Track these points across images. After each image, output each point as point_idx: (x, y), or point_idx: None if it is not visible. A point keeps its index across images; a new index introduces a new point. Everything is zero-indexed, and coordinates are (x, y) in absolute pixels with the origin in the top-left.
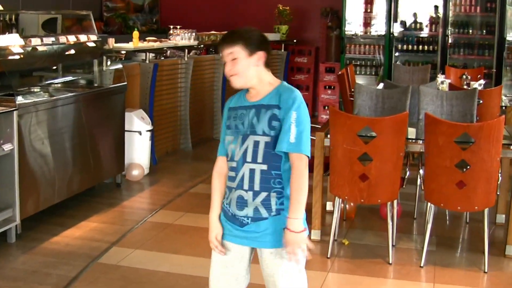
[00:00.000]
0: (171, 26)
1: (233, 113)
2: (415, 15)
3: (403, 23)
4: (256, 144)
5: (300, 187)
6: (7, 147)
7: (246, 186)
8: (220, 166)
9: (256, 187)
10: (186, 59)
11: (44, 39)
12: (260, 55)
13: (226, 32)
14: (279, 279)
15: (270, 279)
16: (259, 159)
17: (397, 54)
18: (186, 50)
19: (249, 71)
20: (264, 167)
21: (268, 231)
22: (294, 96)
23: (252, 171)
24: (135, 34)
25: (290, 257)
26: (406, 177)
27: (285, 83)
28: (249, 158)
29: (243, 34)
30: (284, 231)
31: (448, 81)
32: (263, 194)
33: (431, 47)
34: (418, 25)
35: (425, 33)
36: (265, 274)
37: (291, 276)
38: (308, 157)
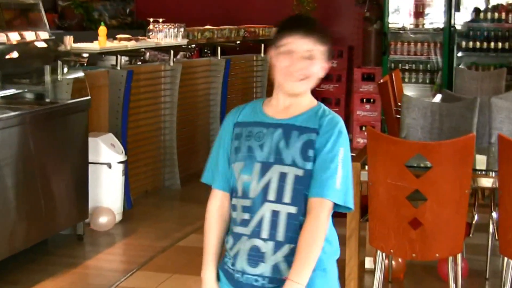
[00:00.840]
0: (151, 19)
1: (244, 131)
2: (486, 1)
3: (471, 11)
4: (283, 177)
5: (315, 241)
6: None
7: (265, 234)
8: (221, 205)
9: (280, 236)
10: (172, 64)
11: None
12: (328, 65)
13: (291, 17)
14: None
15: None
16: (286, 199)
17: (460, 54)
18: (172, 52)
19: (317, 78)
20: (293, 210)
21: None
22: (340, 125)
23: (275, 214)
24: (102, 30)
25: None
26: (473, 223)
27: (324, 106)
28: (271, 196)
29: (327, 32)
30: None
31: None
32: (288, 247)
33: (507, 44)
34: (489, 14)
35: (499, 25)
36: None
37: None
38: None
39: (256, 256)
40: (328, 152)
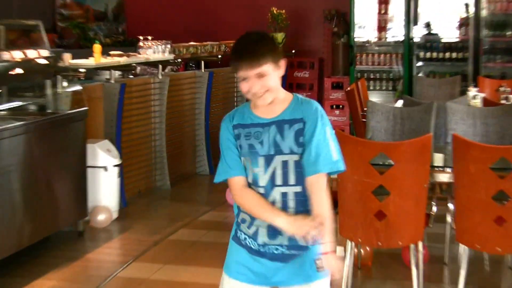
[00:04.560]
0: (141, 37)
1: (242, 132)
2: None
3: (426, 26)
4: (285, 164)
5: (327, 209)
6: None
7: None
8: (245, 184)
9: (291, 212)
10: (160, 76)
11: None
12: (283, 62)
13: (236, 45)
14: None
15: None
16: (291, 181)
17: (419, 64)
18: (160, 66)
19: (277, 83)
20: (298, 189)
21: (307, 262)
22: (319, 109)
23: (284, 195)
24: (97, 47)
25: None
26: (432, 213)
27: (298, 95)
28: (279, 181)
29: (267, 46)
30: (316, 261)
31: (481, 95)
32: None
33: (460, 54)
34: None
35: (453, 37)
36: None
37: None
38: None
39: (274, 231)
40: (313, 134)
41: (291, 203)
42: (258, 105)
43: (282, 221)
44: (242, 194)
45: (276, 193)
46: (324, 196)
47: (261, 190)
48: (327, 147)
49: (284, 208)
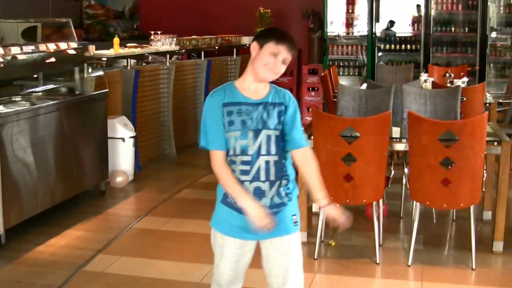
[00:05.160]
0: (152, 32)
1: (234, 109)
2: (397, 15)
3: (390, 23)
4: (269, 138)
5: (317, 170)
6: None
7: (263, 177)
8: (224, 159)
9: (272, 177)
10: (167, 64)
11: (24, 47)
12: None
13: (274, 29)
14: (293, 267)
15: (280, 270)
16: (272, 151)
17: (380, 54)
18: (168, 56)
19: None
20: (277, 158)
21: (287, 217)
22: (293, 97)
23: (267, 163)
24: (116, 40)
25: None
26: (391, 176)
27: (273, 85)
28: (263, 151)
29: (296, 45)
30: (325, 209)
31: (431, 79)
32: (278, 183)
33: (413, 46)
34: (400, 23)
35: (407, 32)
36: (277, 266)
37: (300, 265)
38: None
39: (259, 194)
40: (295, 118)
41: (272, 169)
42: (245, 86)
43: (246, 203)
44: (221, 169)
45: (261, 161)
46: (314, 162)
47: (247, 158)
48: (302, 129)
49: (267, 173)
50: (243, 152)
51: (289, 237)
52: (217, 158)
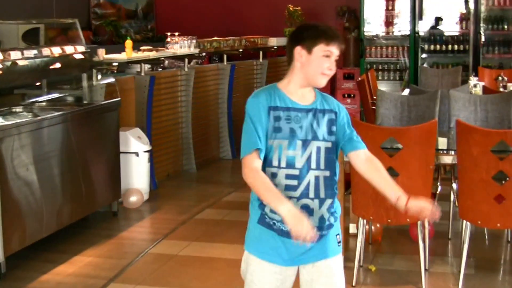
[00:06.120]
0: (168, 33)
1: (283, 114)
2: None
3: (436, 20)
4: (318, 150)
5: (385, 170)
6: None
7: (312, 194)
8: (259, 165)
9: (322, 194)
10: (186, 69)
11: (25, 52)
12: None
13: (321, 26)
14: None
15: None
16: (322, 166)
17: (423, 55)
18: (186, 60)
19: None
20: (327, 173)
21: (332, 237)
22: (339, 102)
23: (317, 178)
24: (128, 43)
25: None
26: (437, 192)
27: (317, 90)
28: (313, 165)
29: None
30: (409, 203)
31: (481, 83)
32: (328, 201)
33: (462, 46)
34: (445, 22)
35: (455, 31)
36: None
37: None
38: None
39: (306, 212)
40: (349, 123)
41: (322, 186)
42: (291, 91)
43: (285, 209)
44: (255, 175)
45: (310, 176)
46: (380, 162)
47: (295, 172)
48: (355, 133)
49: (317, 190)
50: (289, 164)
51: (334, 259)
52: (251, 163)
